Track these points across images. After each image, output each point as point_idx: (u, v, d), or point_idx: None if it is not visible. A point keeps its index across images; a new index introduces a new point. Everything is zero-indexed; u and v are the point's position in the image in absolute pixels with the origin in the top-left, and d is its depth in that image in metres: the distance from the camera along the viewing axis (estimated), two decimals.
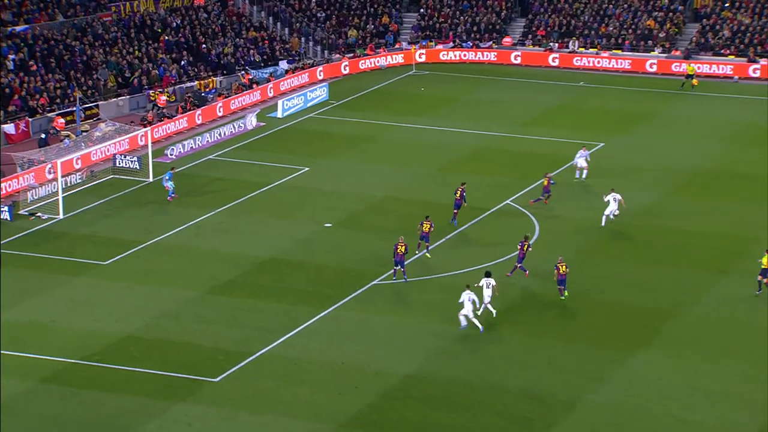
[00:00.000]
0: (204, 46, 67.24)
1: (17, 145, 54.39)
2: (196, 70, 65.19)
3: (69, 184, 49.29)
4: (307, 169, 52.75)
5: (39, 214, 46.57)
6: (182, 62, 64.96)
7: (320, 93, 64.34)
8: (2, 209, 45.91)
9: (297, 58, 70.29)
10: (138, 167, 51.29)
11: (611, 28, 73.25)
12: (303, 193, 49.43)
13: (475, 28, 74.36)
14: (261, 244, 43.95)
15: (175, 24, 68.51)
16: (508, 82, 68.37)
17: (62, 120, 56.84)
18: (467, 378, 34.39)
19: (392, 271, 40.87)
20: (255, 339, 36.47)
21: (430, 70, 70.75)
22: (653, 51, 71.57)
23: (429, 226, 42.40)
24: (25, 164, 48.98)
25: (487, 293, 37.51)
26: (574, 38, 72.77)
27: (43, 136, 54.47)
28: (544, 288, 40.30)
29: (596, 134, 58.04)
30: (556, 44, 72.91)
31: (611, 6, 74.81)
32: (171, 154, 54.13)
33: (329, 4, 76.07)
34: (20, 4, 64.39)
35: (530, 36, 73.91)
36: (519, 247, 41.06)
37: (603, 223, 45.23)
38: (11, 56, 59.83)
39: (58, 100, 58.20)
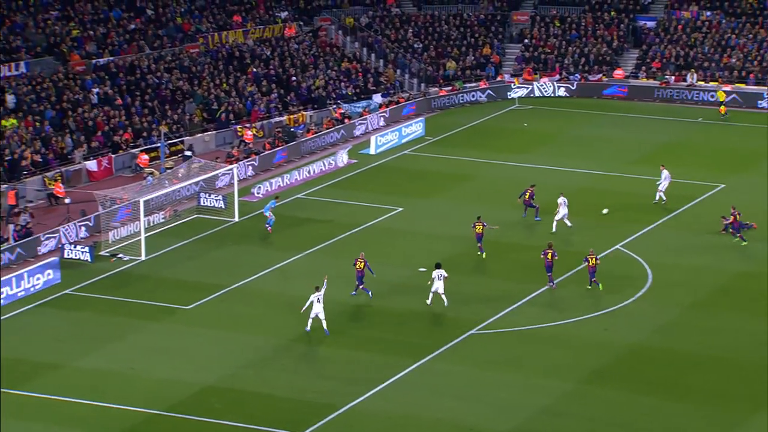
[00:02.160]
0: (294, 78, 68.12)
1: (99, 183, 55.68)
2: (285, 104, 66.04)
3: (151, 224, 50.19)
4: (400, 209, 52.86)
5: (120, 255, 47.47)
6: (271, 96, 65.87)
7: (416, 129, 64.58)
8: (83, 250, 46.88)
9: (392, 92, 70.73)
10: (223, 206, 52.02)
11: (734, 60, 72.15)
12: (395, 235, 49.55)
13: (583, 60, 73.98)
14: (350, 289, 44.04)
15: (264, 56, 69.60)
16: (615, 118, 67.76)
17: (146, 156, 58.01)
18: None
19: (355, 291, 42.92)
20: (342, 392, 36.49)
21: (533, 105, 70.52)
22: None
23: (482, 227, 46.09)
24: (107, 203, 50.03)
25: (439, 284, 41.34)
26: (692, 70, 71.84)
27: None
28: (650, 339, 39.67)
29: (715, 174, 57.08)
30: (673, 77, 72.05)
31: (734, 36, 73.71)
32: (258, 193, 54.80)
33: (427, 34, 76.48)
34: (105, 36, 66.13)
35: (644, 68, 73.20)
36: (542, 255, 43.13)
37: (554, 229, 47.13)
38: (95, 90, 61.39)
39: (144, 134, 59.41)
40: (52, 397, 36.17)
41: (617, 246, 48.12)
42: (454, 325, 41.12)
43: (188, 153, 57.43)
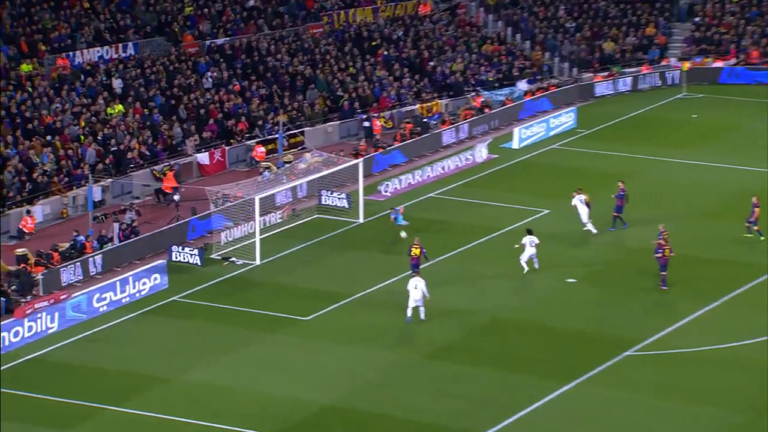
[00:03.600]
0: (429, 62, 68.62)
1: (211, 178, 56.98)
2: (418, 91, 66.57)
3: (267, 225, 51.23)
4: (547, 211, 52.92)
5: (233, 259, 48.61)
6: (403, 81, 66.49)
7: (566, 120, 64.49)
8: (192, 253, 48.12)
9: (539, 77, 70.70)
10: (347, 206, 52.80)
11: None
12: (543, 240, 49.48)
13: (765, 41, 72.74)
14: (488, 300, 44.38)
15: (395, 36, 70.29)
16: None
17: (262, 149, 59.19)
18: None
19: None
20: (480, 415, 36.79)
21: (704, 93, 69.67)
22: None
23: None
24: (219, 200, 51.15)
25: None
26: None
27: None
28: None
29: None
30: None
31: None
32: (385, 191, 55.46)
33: (581, 12, 76.21)
34: (220, 14, 67.67)
35: None
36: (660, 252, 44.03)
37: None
38: (209, 74, 62.87)
39: (260, 124, 60.62)
40: (157, 415, 37.25)
41: None
42: (607, 343, 41.08)
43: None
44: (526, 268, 46.32)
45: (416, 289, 42.62)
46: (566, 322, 42.91)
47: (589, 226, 49.86)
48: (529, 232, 46.91)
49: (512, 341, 41.78)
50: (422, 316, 42.85)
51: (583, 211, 50.08)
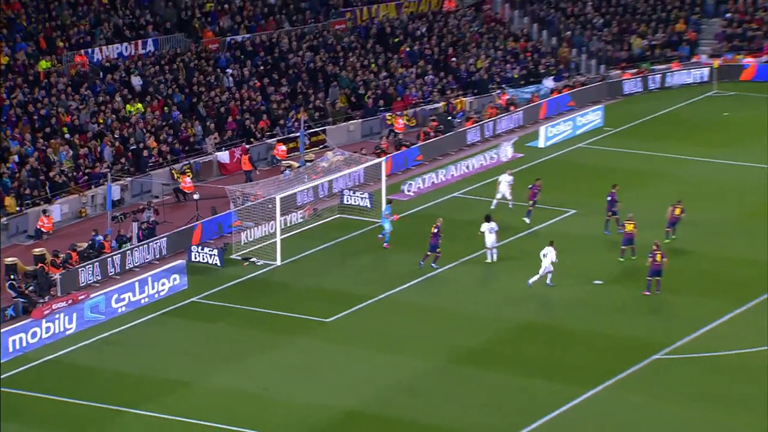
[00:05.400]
0: (453, 59, 68.65)
1: (232, 177, 57.10)
2: (442, 88, 66.57)
3: (288, 225, 51.30)
4: (573, 211, 52.84)
5: (253, 259, 48.70)
6: (426, 78, 66.49)
7: (593, 118, 64.41)
8: (212, 253, 48.22)
9: (566, 75, 70.59)
10: (369, 206, 52.83)
11: None
12: (570, 241, 49.48)
13: None
14: (514, 303, 44.33)
15: (419, 33, 70.29)
16: None
17: (283, 147, 59.27)
18: None
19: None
20: (505, 422, 36.77)
21: (736, 90, 69.44)
22: None
23: (633, 226, 46.90)
24: (239, 199, 51.29)
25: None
26: None
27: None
28: None
29: None
30: None
31: None
32: (409, 191, 55.49)
33: (609, 7, 76.07)
34: (241, 10, 67.80)
35: None
36: (650, 257, 43.91)
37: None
38: (229, 70, 62.99)
39: (282, 122, 60.71)
40: (178, 418, 37.35)
41: None
42: (634, 347, 40.99)
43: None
44: (548, 281, 45.50)
45: (490, 233, 46.26)
46: (593, 325, 42.84)
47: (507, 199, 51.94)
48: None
49: (538, 346, 41.72)
50: (494, 258, 46.80)
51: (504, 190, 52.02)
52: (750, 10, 75.10)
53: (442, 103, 65.18)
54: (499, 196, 52.76)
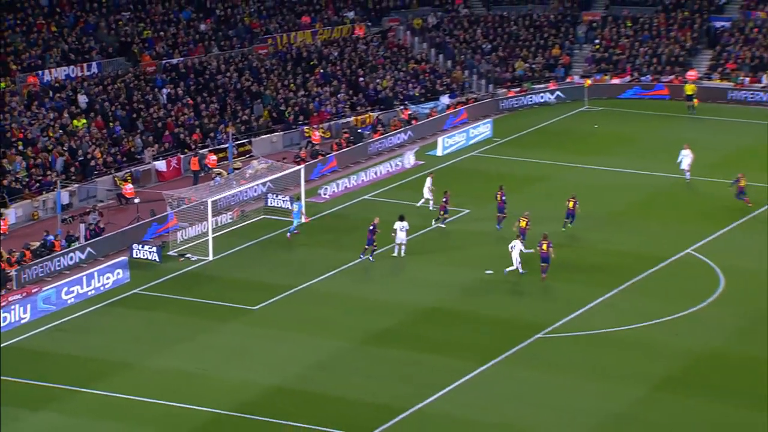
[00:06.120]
0: (362, 79, 68.54)
1: (168, 183, 56.49)
2: (353, 104, 66.44)
3: (219, 225, 50.85)
4: (467, 211, 53.04)
5: (188, 255, 48.19)
6: (339, 96, 66.32)
7: (484, 130, 64.70)
8: (151, 250, 47.66)
9: (460, 93, 70.87)
10: (291, 207, 52.44)
11: None
12: (464, 237, 49.71)
13: (655, 60, 73.52)
14: (419, 291, 44.35)
15: (332, 56, 70.11)
16: (689, 119, 67.27)
17: (214, 157, 58.73)
18: None
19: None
20: (410, 394, 36.77)
21: (604, 106, 70.26)
22: None
23: (525, 222, 46.77)
24: (175, 203, 50.76)
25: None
26: (767, 72, 71.05)
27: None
28: (723, 345, 39.46)
29: None
30: (747, 79, 71.35)
31: None
32: (325, 194, 55.28)
33: (495, 35, 76.50)
34: (175, 37, 67.08)
35: (719, 69, 72.47)
36: (538, 247, 44.24)
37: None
38: (165, 90, 62.30)
39: (212, 135, 60.20)
40: (124, 396, 36.88)
41: (689, 250, 47.90)
42: (521, 327, 41.24)
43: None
44: (515, 266, 45.12)
45: (401, 231, 45.99)
46: (486, 308, 42.99)
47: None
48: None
49: (438, 327, 41.77)
50: (402, 253, 46.51)
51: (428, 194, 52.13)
52: (615, 37, 76.01)
53: (353, 118, 65.05)
54: (423, 200, 52.58)
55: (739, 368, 38.35)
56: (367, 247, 46.99)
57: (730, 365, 38.61)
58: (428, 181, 53.28)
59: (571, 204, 50.23)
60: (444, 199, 50.74)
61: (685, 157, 55.70)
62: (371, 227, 46.98)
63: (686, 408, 35.91)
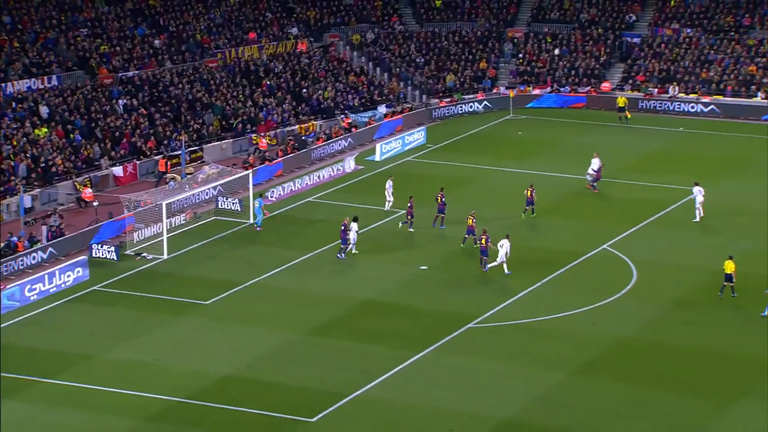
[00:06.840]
0: (305, 90, 68.24)
1: (125, 187, 55.82)
2: (297, 114, 66.12)
3: (173, 226, 50.31)
4: (403, 211, 52.91)
5: (144, 254, 47.59)
6: (284, 106, 65.98)
7: (418, 137, 64.68)
8: (110, 249, 47.03)
9: (395, 103, 70.83)
10: (240, 209, 52.12)
11: (712, 74, 72.20)
12: (403, 236, 49.56)
13: (573, 73, 74.05)
14: (360, 286, 44.16)
15: (277, 69, 69.72)
16: (606, 127, 67.83)
17: (168, 163, 58.09)
18: (567, 426, 33.95)
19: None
20: (352, 381, 36.60)
21: (527, 115, 70.61)
22: (755, 97, 70.37)
23: (472, 220, 46.97)
24: (131, 206, 50.20)
25: (500, 252, 44.07)
26: (674, 83, 71.94)
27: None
28: (637, 333, 39.76)
29: (695, 179, 57.10)
30: (656, 89, 72.16)
31: (713, 51, 73.78)
32: (272, 197, 54.92)
33: (428, 50, 76.58)
34: (131, 51, 66.31)
35: (630, 81, 73.25)
36: (478, 241, 45.22)
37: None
38: (121, 101, 61.56)
39: (166, 142, 59.58)
40: (84, 385, 36.31)
41: (605, 246, 48.22)
42: (455, 318, 41.22)
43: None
44: (499, 262, 44.71)
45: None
46: (420, 301, 42.91)
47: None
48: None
49: (377, 319, 41.63)
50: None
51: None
52: (537, 52, 76.45)
53: (297, 126, 64.72)
54: (388, 202, 52.26)
55: (650, 353, 38.66)
56: (342, 246, 46.45)
57: (641, 351, 38.90)
58: (389, 183, 52.73)
59: (528, 193, 50.62)
60: (409, 204, 50.18)
61: (593, 165, 55.56)
62: (342, 227, 46.56)
63: (603, 390, 36.13)
